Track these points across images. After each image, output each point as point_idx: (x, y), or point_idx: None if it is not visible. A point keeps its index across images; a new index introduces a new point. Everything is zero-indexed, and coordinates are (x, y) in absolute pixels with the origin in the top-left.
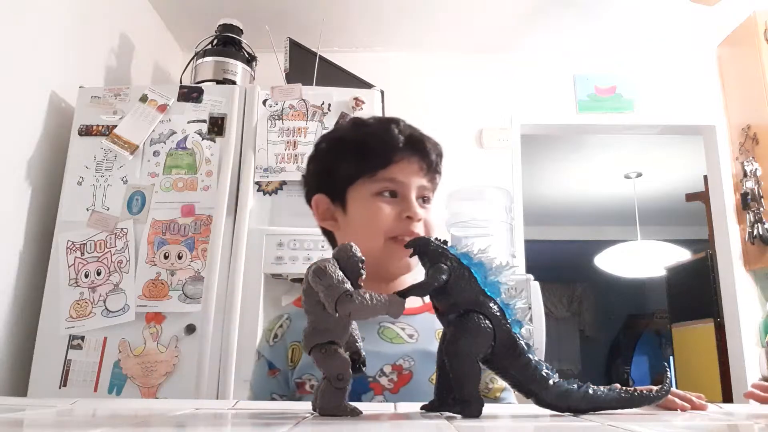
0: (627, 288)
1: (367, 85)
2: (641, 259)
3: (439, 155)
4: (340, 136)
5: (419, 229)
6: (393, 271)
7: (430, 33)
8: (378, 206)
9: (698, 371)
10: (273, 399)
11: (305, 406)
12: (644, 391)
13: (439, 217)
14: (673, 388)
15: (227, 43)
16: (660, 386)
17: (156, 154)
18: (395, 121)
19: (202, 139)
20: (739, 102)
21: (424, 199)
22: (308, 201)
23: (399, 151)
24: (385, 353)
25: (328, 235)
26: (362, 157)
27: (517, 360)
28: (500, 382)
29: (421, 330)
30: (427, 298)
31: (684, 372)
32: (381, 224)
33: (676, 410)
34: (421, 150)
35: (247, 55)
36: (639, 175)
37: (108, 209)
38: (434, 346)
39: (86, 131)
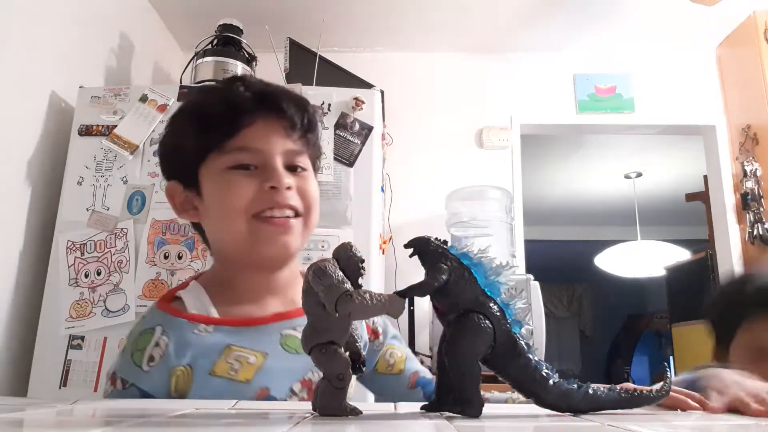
0: (627, 288)
1: (367, 85)
2: (641, 259)
3: (307, 110)
4: (179, 109)
5: (292, 200)
6: (268, 255)
7: (430, 33)
8: (232, 180)
9: None
10: (140, 352)
11: (305, 406)
12: (644, 391)
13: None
14: (684, 389)
15: (227, 43)
16: (660, 386)
17: (156, 154)
18: (240, 78)
19: None
20: (739, 102)
21: (296, 169)
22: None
23: (248, 113)
24: (292, 368)
25: (197, 228)
26: (205, 128)
27: (517, 360)
28: (402, 353)
29: None
30: None
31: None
32: (239, 201)
33: (687, 409)
34: (278, 107)
35: (247, 55)
36: (639, 175)
37: (108, 209)
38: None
39: (86, 131)
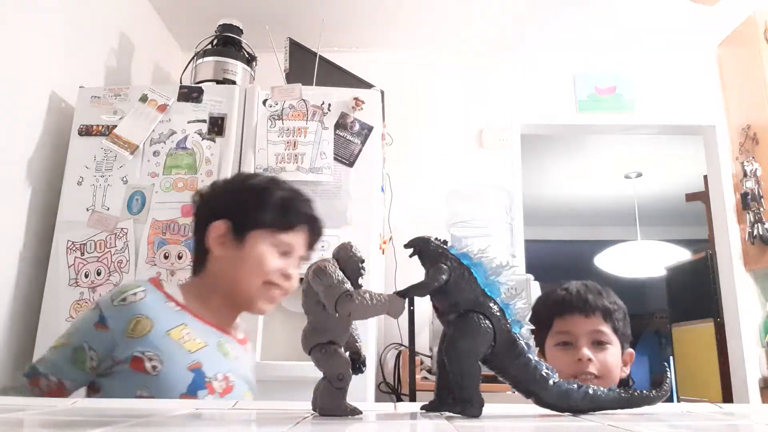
0: (627, 288)
1: (367, 85)
2: (641, 259)
3: (321, 234)
4: (264, 188)
5: (289, 285)
6: (258, 306)
7: (430, 33)
8: (272, 254)
9: (698, 371)
10: (83, 348)
11: (305, 406)
12: (644, 392)
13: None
14: None
15: (227, 43)
16: (660, 386)
17: (156, 154)
18: (303, 194)
19: (202, 139)
20: (739, 102)
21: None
22: (202, 218)
23: (302, 220)
24: (219, 363)
25: (201, 252)
26: (277, 214)
27: (517, 360)
28: None
29: (242, 358)
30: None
31: (684, 372)
32: (268, 269)
33: None
34: (315, 225)
35: (247, 55)
36: (639, 175)
37: (108, 209)
38: (249, 375)
39: (86, 131)
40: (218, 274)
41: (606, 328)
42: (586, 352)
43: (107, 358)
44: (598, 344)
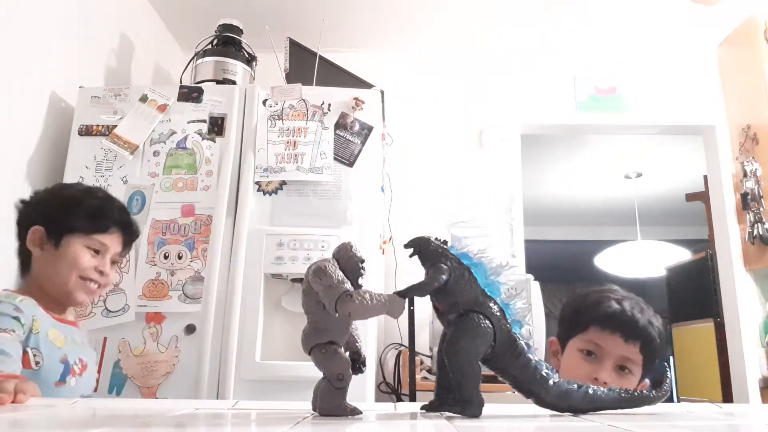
0: (627, 288)
1: (367, 85)
2: (641, 259)
3: (137, 237)
4: (76, 198)
5: (104, 279)
6: (75, 299)
7: (430, 33)
8: (84, 253)
9: (698, 371)
10: (18, 318)
11: (305, 406)
12: (644, 392)
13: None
14: None
15: (227, 43)
16: (660, 386)
17: (156, 154)
18: (115, 201)
19: (202, 139)
20: (739, 102)
21: (114, 261)
22: (24, 223)
23: (113, 225)
24: (76, 350)
25: (24, 255)
26: (90, 220)
27: (517, 360)
28: None
29: (81, 337)
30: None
31: (684, 372)
32: (82, 266)
33: None
34: (128, 228)
35: (247, 55)
36: (639, 175)
37: None
38: (89, 349)
39: (86, 131)
40: (39, 273)
41: (637, 358)
42: (607, 376)
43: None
44: (621, 369)
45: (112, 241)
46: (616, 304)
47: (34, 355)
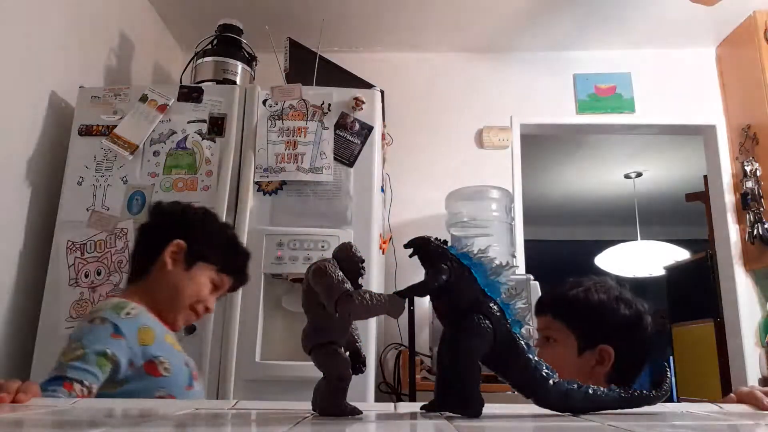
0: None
1: (367, 85)
2: (641, 259)
3: (239, 287)
4: (221, 231)
5: (204, 316)
6: (176, 324)
7: (430, 33)
8: (207, 287)
9: (698, 371)
10: (106, 354)
11: (305, 406)
12: (644, 392)
13: None
14: (755, 386)
15: (227, 43)
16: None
17: (156, 154)
18: (249, 255)
19: (202, 139)
20: (739, 102)
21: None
22: (162, 228)
23: (237, 271)
24: (186, 356)
25: (148, 259)
26: (227, 259)
27: (517, 360)
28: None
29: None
30: None
31: (684, 372)
32: (200, 299)
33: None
34: (241, 280)
35: (247, 55)
36: (639, 175)
37: (108, 209)
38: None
39: (86, 131)
40: (160, 284)
41: (555, 325)
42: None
43: (127, 364)
44: (546, 340)
45: (227, 283)
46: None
47: (161, 363)
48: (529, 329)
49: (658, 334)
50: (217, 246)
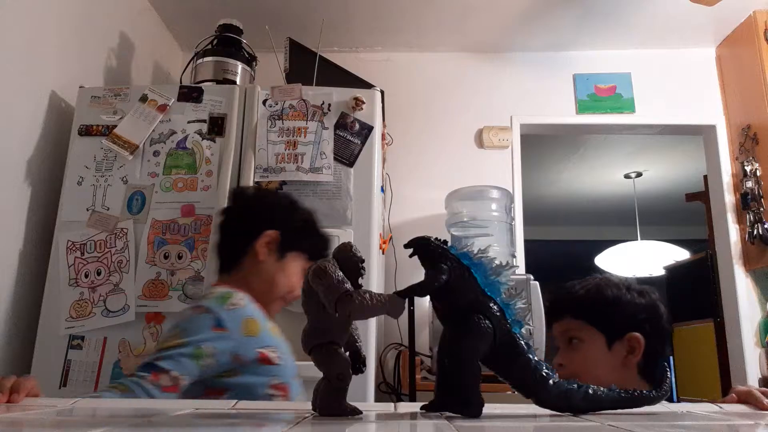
0: None
1: (367, 85)
2: (641, 259)
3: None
4: (311, 220)
5: (288, 306)
6: (270, 313)
7: (431, 33)
8: (300, 277)
9: (698, 371)
10: (201, 347)
11: (305, 406)
12: (644, 392)
13: None
14: (752, 385)
15: (227, 43)
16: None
17: (156, 154)
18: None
19: (202, 139)
20: (739, 102)
21: None
22: (251, 219)
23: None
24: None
25: (240, 250)
26: (316, 248)
27: (517, 360)
28: None
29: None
30: None
31: (684, 372)
32: (293, 290)
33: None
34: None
35: (247, 55)
36: (639, 175)
37: (108, 209)
38: None
39: (86, 131)
40: (255, 275)
41: (577, 324)
42: (559, 358)
43: (230, 357)
44: (570, 342)
45: None
46: (547, 302)
47: (273, 351)
48: (530, 329)
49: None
50: (306, 234)
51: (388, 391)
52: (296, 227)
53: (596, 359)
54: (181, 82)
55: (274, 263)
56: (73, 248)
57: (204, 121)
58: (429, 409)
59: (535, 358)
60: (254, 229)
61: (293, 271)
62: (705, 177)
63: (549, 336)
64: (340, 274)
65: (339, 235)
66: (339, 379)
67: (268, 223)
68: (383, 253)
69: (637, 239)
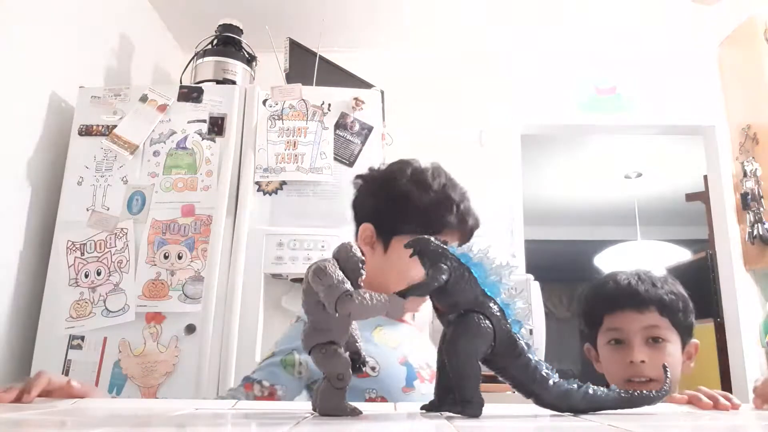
0: None
1: (367, 85)
2: (641, 259)
3: (476, 229)
4: (406, 194)
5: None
6: (409, 308)
7: (431, 33)
8: (415, 263)
9: (698, 371)
10: (292, 355)
11: (305, 406)
12: (644, 391)
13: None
14: (703, 387)
15: (227, 43)
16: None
17: (156, 154)
18: (452, 197)
19: (202, 139)
20: (739, 102)
21: None
22: (357, 221)
23: (448, 226)
24: (418, 353)
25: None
26: (420, 222)
27: (517, 360)
28: None
29: (423, 343)
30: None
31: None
32: (412, 277)
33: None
34: (464, 226)
35: (247, 55)
36: (639, 175)
37: (108, 209)
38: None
39: (86, 131)
40: (370, 276)
41: (663, 323)
42: (639, 353)
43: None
44: (654, 341)
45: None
46: (612, 282)
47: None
48: (530, 329)
49: None
50: (401, 211)
51: None
52: (385, 208)
53: (676, 363)
54: (181, 82)
55: (380, 258)
56: (73, 248)
57: (204, 121)
58: (429, 409)
59: (535, 358)
60: (357, 227)
61: (404, 264)
62: (705, 177)
63: (593, 326)
64: (340, 274)
65: (339, 235)
66: (339, 379)
67: (363, 216)
68: None
69: (637, 239)
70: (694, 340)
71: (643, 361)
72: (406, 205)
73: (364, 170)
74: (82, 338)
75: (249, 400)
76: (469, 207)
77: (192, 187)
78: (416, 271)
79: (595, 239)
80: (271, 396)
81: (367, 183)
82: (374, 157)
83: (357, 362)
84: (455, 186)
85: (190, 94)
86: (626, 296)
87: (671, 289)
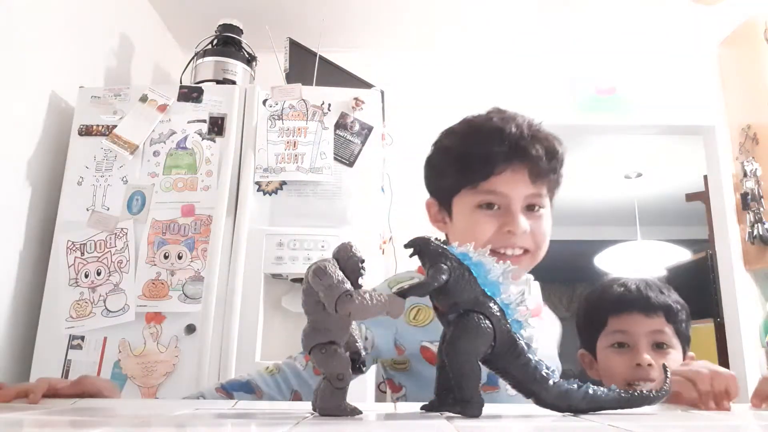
0: None
1: (367, 85)
2: (641, 259)
3: (552, 157)
4: (446, 147)
5: (524, 242)
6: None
7: (431, 32)
8: (477, 219)
9: None
10: (360, 330)
11: (305, 405)
12: (644, 391)
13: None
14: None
15: (227, 43)
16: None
17: (156, 154)
18: (502, 128)
19: (202, 139)
20: (739, 102)
21: (534, 208)
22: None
23: (502, 162)
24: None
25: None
26: (464, 171)
27: (517, 360)
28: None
29: (542, 332)
30: None
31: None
32: (481, 237)
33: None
34: (527, 157)
35: (247, 55)
36: (639, 175)
37: (108, 209)
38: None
39: (86, 131)
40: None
41: (668, 330)
42: (647, 356)
43: (392, 345)
44: (658, 347)
45: (508, 183)
46: (621, 287)
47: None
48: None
49: None
50: (444, 164)
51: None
52: (433, 172)
53: None
54: (181, 82)
55: (452, 231)
56: (73, 248)
57: (204, 121)
58: (429, 409)
59: (535, 358)
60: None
61: (466, 224)
62: (705, 177)
63: (595, 325)
64: (340, 274)
65: (339, 235)
66: (339, 379)
67: (427, 190)
68: (383, 253)
69: (637, 239)
70: (690, 353)
71: (650, 365)
72: (447, 155)
73: (364, 170)
74: (82, 338)
75: (301, 368)
76: (524, 129)
77: (192, 187)
78: (481, 227)
79: (595, 239)
80: None
81: (432, 157)
82: (374, 157)
83: (357, 362)
84: (502, 113)
85: (190, 94)
86: (635, 299)
87: (677, 298)
